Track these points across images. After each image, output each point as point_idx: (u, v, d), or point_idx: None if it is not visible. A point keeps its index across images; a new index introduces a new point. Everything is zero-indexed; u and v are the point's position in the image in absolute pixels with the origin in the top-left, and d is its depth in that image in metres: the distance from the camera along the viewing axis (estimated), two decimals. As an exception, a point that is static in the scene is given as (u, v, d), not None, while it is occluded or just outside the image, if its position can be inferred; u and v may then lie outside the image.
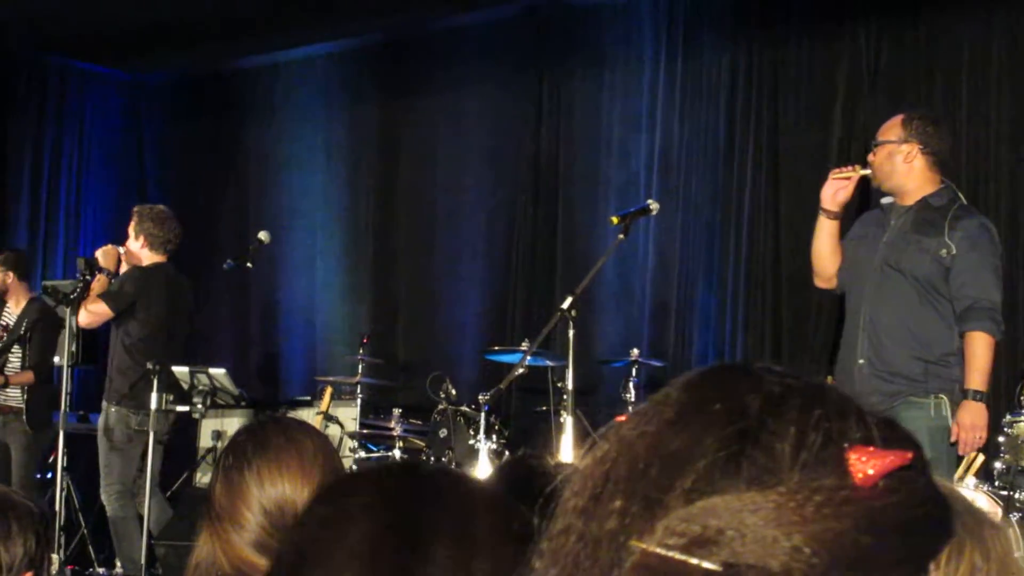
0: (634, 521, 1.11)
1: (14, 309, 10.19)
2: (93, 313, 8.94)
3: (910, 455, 1.08)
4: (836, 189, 6.80)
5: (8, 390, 9.86)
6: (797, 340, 9.85)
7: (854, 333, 6.68)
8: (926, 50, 9.59)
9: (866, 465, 1.07)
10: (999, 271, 6.54)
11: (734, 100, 10.36)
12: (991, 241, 6.53)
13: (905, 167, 6.58)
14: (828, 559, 1.02)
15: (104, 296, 8.96)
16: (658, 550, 1.05)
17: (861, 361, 6.59)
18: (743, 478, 1.09)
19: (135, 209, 9.37)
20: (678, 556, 1.04)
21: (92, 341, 10.83)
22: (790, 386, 1.16)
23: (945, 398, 6.37)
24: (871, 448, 1.09)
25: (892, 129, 6.66)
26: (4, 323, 10.15)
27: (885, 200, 6.83)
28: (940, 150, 6.63)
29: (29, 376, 9.87)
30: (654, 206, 7.76)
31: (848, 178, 6.74)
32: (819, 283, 7.10)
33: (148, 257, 9.20)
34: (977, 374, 6.34)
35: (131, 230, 9.23)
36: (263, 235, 9.45)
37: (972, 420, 6.27)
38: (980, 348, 6.36)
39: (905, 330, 6.52)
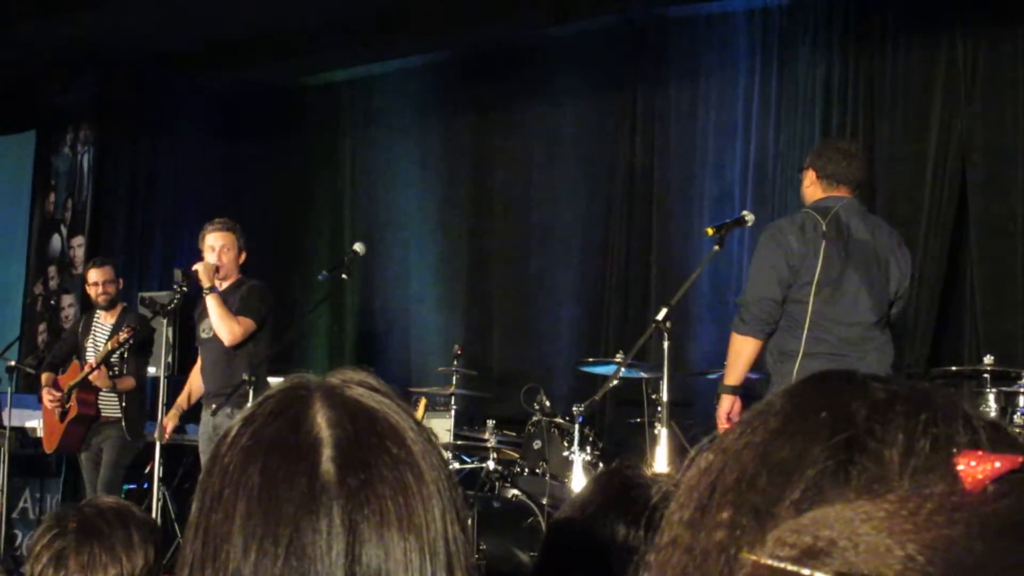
0: (743, 533, 1.10)
1: (105, 319, 10.27)
2: (245, 329, 8.95)
3: (1020, 459, 1.07)
4: None
5: (106, 400, 9.94)
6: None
7: None
8: (1023, 58, 9.50)
9: (975, 470, 1.05)
10: (766, 265, 7.00)
11: (829, 110, 10.31)
12: (769, 239, 7.06)
13: (808, 192, 7.21)
14: (942, 567, 1.00)
15: (249, 313, 8.97)
16: (769, 561, 1.04)
17: None
18: (852, 487, 1.08)
19: (232, 221, 9.35)
20: (790, 567, 1.03)
21: (186, 352, 10.90)
22: (895, 392, 1.15)
23: None
24: (980, 452, 1.07)
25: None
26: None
27: None
28: (832, 173, 7.10)
29: (131, 382, 9.95)
30: (749, 217, 7.71)
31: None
32: None
33: (237, 271, 9.20)
34: (728, 368, 7.24)
35: (234, 242, 9.18)
36: (358, 246, 9.45)
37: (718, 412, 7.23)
38: (731, 345, 7.21)
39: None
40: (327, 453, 1.41)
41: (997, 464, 1.06)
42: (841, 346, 6.91)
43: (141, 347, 10.02)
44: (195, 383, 9.33)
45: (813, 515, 1.05)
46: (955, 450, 1.09)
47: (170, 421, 9.24)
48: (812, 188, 7.16)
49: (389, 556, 1.38)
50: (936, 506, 1.03)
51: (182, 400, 9.32)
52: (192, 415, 9.88)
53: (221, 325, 8.84)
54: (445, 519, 1.43)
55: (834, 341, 6.89)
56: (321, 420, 1.44)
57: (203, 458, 9.07)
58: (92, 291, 10.32)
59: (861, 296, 6.94)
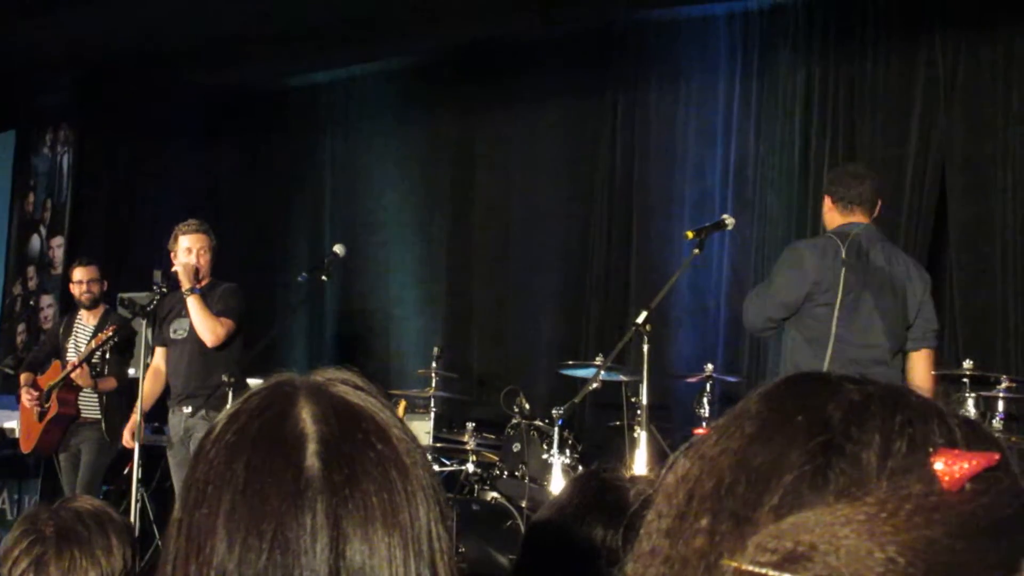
0: (723, 539, 1.11)
1: (87, 320, 10.26)
2: (227, 331, 8.93)
3: (996, 456, 1.07)
4: None
5: (86, 400, 9.92)
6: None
7: None
8: (1003, 65, 9.53)
9: (952, 469, 1.07)
10: (777, 281, 7.25)
11: (809, 114, 10.33)
12: (788, 260, 7.28)
13: (827, 218, 7.45)
14: (923, 568, 1.01)
15: (229, 313, 8.95)
16: (750, 567, 1.05)
17: None
18: (831, 491, 1.09)
19: (205, 226, 9.31)
20: (772, 573, 1.03)
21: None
22: (870, 393, 1.16)
23: None
24: (956, 451, 1.09)
25: None
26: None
27: None
28: (845, 197, 7.33)
29: (113, 383, 9.93)
30: (729, 221, 7.74)
31: None
32: None
33: (208, 272, 9.18)
34: None
35: (208, 244, 9.16)
36: (338, 248, 9.44)
37: None
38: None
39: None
40: (312, 448, 1.41)
41: (974, 462, 1.07)
42: (854, 368, 6.93)
43: (123, 348, 10.01)
44: (150, 389, 9.24)
45: (793, 520, 1.05)
46: (931, 449, 1.10)
47: (129, 432, 9.22)
48: (831, 215, 7.37)
49: (373, 552, 1.38)
50: (915, 507, 1.03)
51: (140, 408, 8.99)
52: (159, 415, 9.86)
53: (204, 327, 8.81)
54: (429, 517, 1.43)
55: (846, 362, 6.99)
56: (306, 416, 1.44)
57: (172, 460, 9.04)
58: (76, 290, 10.31)
59: (875, 321, 7.13)
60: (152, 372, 9.24)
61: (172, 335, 9.06)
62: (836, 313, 7.05)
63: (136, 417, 8.80)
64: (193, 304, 8.83)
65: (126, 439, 9.22)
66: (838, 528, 1.03)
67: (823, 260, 7.10)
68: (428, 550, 1.42)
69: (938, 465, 1.07)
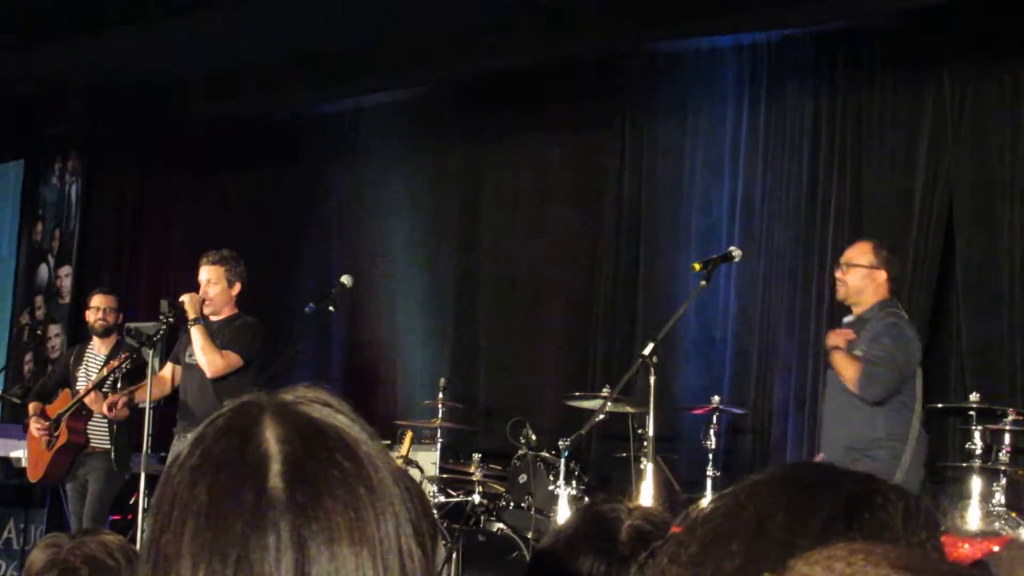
0: (760, 558, 1.17)
1: (98, 349, 10.27)
2: (229, 363, 8.94)
3: (993, 545, 1.15)
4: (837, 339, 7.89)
5: (96, 429, 9.91)
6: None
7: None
8: (1010, 97, 9.54)
9: (959, 548, 1.15)
10: (900, 358, 7.64)
11: (817, 146, 10.33)
12: (896, 336, 7.64)
13: (873, 287, 7.77)
14: None
15: (236, 347, 8.96)
16: None
17: (820, 455, 7.91)
18: (862, 532, 1.20)
19: (227, 254, 9.31)
20: None
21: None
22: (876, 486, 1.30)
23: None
24: (957, 539, 1.17)
25: (864, 255, 7.81)
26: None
27: (846, 319, 8.01)
28: (897, 276, 7.90)
29: (124, 412, 9.93)
30: (736, 253, 7.77)
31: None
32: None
33: (232, 305, 9.19)
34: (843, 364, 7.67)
35: (223, 276, 9.16)
36: (346, 279, 9.46)
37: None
38: (850, 364, 7.64)
39: (840, 426, 7.76)
40: (275, 469, 1.40)
41: (983, 546, 1.15)
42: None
43: (133, 377, 10.00)
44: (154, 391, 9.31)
45: (827, 552, 1.11)
46: (943, 528, 1.22)
47: (121, 397, 9.34)
48: (883, 288, 7.81)
49: (340, 570, 1.37)
50: (940, 557, 1.12)
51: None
52: (165, 443, 9.85)
53: (203, 356, 8.83)
54: (399, 533, 1.42)
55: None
56: (270, 436, 1.43)
57: None
58: (92, 316, 10.33)
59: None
60: (157, 378, 9.27)
61: (186, 359, 9.10)
62: (919, 382, 7.75)
63: (144, 436, 8.79)
64: (195, 335, 8.86)
65: (119, 403, 9.34)
66: (872, 557, 1.09)
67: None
68: (399, 567, 1.41)
69: (947, 543, 1.16)
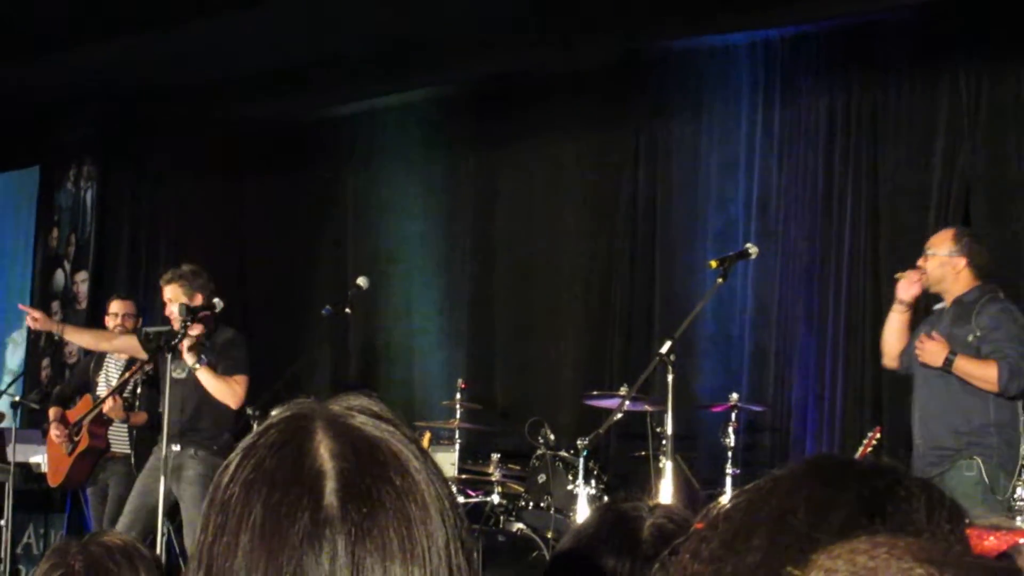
0: (783, 553, 1.17)
1: (118, 354, 10.28)
2: (243, 387, 8.98)
3: (1016, 538, 1.16)
4: (909, 285, 7.71)
5: (116, 434, 9.94)
6: (898, 383, 9.75)
7: (913, 415, 7.78)
8: (1025, 92, 9.53)
9: (984, 541, 1.17)
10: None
11: (832, 143, 10.32)
12: (1013, 320, 7.50)
13: (952, 275, 7.64)
14: None
15: (238, 369, 8.99)
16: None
17: (918, 441, 7.67)
18: (886, 526, 1.20)
19: (185, 270, 9.25)
20: None
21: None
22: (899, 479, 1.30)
23: (978, 459, 7.29)
24: (983, 532, 1.19)
25: (944, 243, 7.74)
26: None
27: (936, 306, 7.85)
28: (981, 264, 7.70)
29: (144, 417, 9.94)
30: (753, 250, 7.77)
31: (917, 280, 7.75)
32: (885, 362, 8.17)
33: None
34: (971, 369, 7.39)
35: (180, 294, 9.10)
36: (362, 281, 9.47)
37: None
38: (983, 365, 7.36)
39: (947, 412, 7.52)
40: (330, 486, 1.41)
41: (1008, 538, 1.15)
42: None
43: (154, 382, 10.01)
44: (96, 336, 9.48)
45: (850, 545, 1.11)
46: (968, 521, 1.22)
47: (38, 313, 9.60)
48: (964, 276, 7.67)
49: None
50: (963, 549, 1.15)
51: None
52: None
53: (222, 395, 8.93)
54: (449, 549, 1.43)
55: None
56: (324, 452, 1.44)
57: (191, 495, 8.97)
58: (111, 322, 10.37)
59: None
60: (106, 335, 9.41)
61: (174, 374, 9.00)
62: None
63: (162, 441, 8.79)
64: (204, 378, 8.86)
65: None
66: (895, 550, 1.10)
67: None
68: None
69: (972, 536, 1.19)
